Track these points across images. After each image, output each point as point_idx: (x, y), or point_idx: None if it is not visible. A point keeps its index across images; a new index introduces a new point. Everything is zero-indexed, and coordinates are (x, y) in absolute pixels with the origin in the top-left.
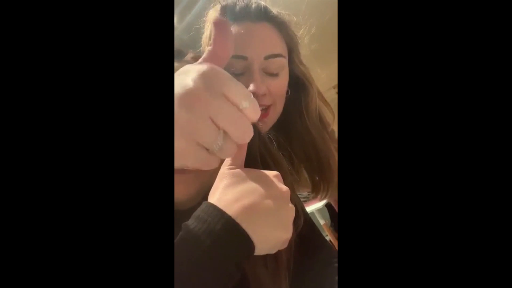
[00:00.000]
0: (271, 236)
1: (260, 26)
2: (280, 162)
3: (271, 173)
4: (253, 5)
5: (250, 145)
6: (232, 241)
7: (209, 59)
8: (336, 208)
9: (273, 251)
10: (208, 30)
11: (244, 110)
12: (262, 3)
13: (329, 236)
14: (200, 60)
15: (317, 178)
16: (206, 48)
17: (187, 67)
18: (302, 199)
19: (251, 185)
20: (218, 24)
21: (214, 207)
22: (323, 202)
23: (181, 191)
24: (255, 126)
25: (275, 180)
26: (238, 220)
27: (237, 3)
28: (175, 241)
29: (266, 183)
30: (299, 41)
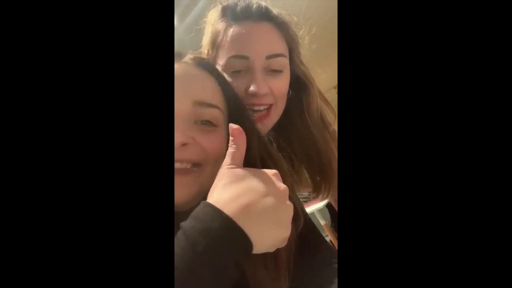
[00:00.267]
0: (269, 234)
1: (261, 26)
2: (279, 163)
3: (270, 172)
4: (254, 5)
5: (250, 146)
6: (230, 240)
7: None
8: (336, 208)
9: (272, 250)
10: (208, 30)
11: None
12: (263, 3)
13: (330, 237)
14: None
15: (318, 178)
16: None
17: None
18: (302, 200)
19: (249, 184)
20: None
21: (211, 206)
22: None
23: (181, 192)
24: (255, 127)
25: (274, 178)
26: (235, 219)
27: (238, 3)
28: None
29: (264, 181)
30: (300, 41)
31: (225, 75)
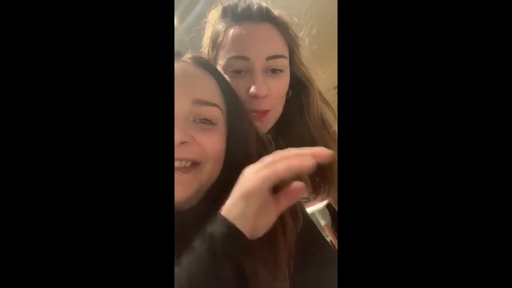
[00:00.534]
0: (241, 207)
1: (262, 26)
2: None
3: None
4: (255, 6)
5: (248, 146)
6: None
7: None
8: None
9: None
10: (208, 31)
11: None
12: (264, 4)
13: (330, 237)
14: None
15: (317, 179)
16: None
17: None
18: (303, 200)
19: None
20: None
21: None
22: (324, 203)
23: (180, 191)
24: (254, 126)
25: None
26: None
27: (239, 4)
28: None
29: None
30: (300, 42)
31: (225, 75)
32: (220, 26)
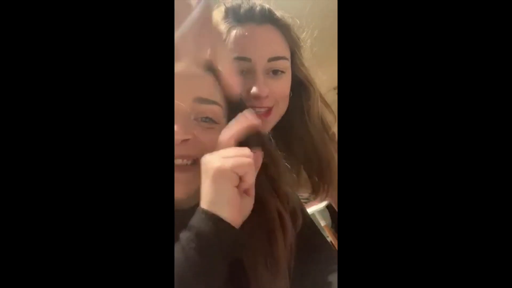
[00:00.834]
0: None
1: (264, 28)
2: (278, 161)
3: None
4: (258, 8)
5: (249, 144)
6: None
7: None
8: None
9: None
10: None
11: None
12: (266, 5)
13: (330, 237)
14: None
15: (317, 180)
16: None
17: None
18: (303, 201)
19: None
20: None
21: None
22: (324, 203)
23: (181, 189)
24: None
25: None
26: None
27: (242, 5)
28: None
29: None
30: (302, 44)
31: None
32: (223, 27)
